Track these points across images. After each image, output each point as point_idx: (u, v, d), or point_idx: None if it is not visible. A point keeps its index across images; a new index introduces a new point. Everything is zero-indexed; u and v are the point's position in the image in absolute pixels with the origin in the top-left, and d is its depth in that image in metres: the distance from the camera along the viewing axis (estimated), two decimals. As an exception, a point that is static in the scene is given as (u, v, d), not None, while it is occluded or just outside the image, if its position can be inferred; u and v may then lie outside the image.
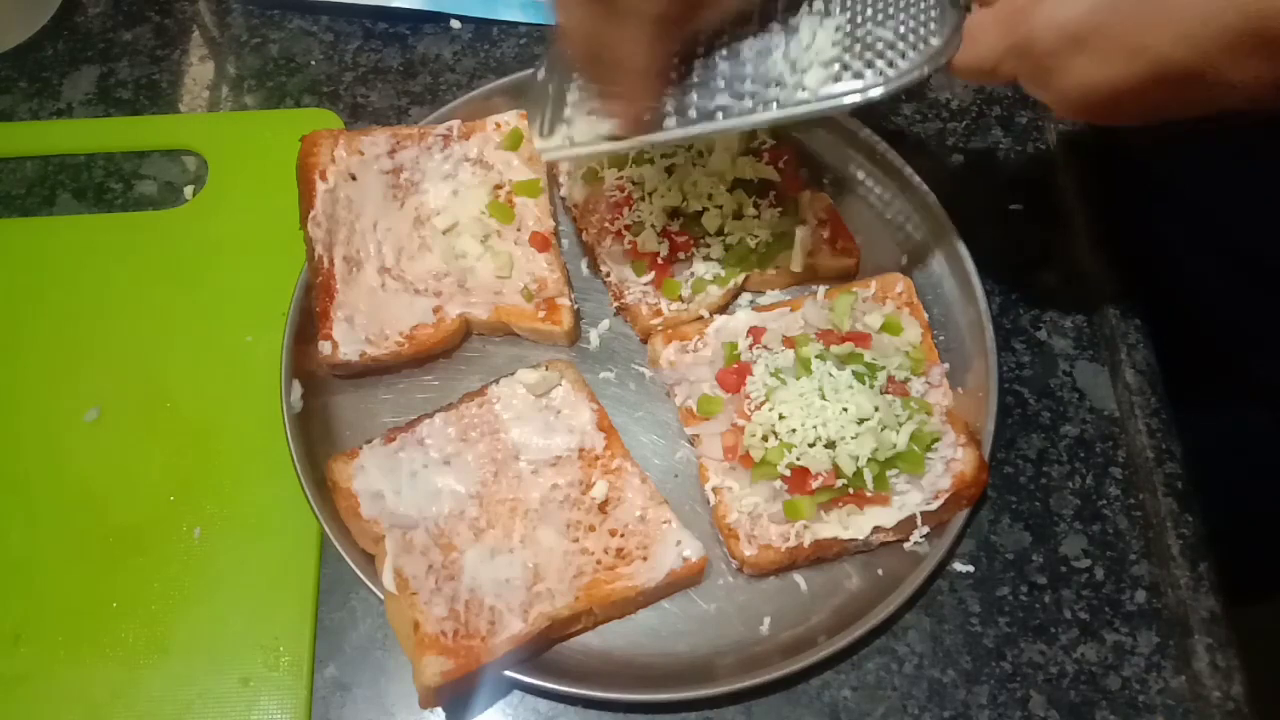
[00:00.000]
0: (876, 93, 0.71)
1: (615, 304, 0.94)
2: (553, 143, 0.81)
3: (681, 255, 0.91)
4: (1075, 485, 0.87)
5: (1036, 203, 1.00)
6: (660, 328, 0.90)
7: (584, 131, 0.79)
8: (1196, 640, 0.81)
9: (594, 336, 0.93)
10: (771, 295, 0.94)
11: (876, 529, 0.81)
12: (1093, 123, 0.78)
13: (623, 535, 0.81)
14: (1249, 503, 1.06)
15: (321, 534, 0.83)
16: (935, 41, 0.70)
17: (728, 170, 0.91)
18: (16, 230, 1.00)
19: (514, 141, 0.97)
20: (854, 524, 0.81)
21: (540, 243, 0.93)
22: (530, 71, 0.85)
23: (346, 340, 0.88)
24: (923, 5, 0.72)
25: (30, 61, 1.10)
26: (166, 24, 1.12)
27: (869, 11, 0.73)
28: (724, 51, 0.77)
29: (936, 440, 0.83)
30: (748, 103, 0.75)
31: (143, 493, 0.87)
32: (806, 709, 0.79)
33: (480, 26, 1.11)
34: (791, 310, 0.89)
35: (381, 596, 0.79)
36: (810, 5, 0.76)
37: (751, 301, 0.94)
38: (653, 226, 0.91)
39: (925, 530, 0.81)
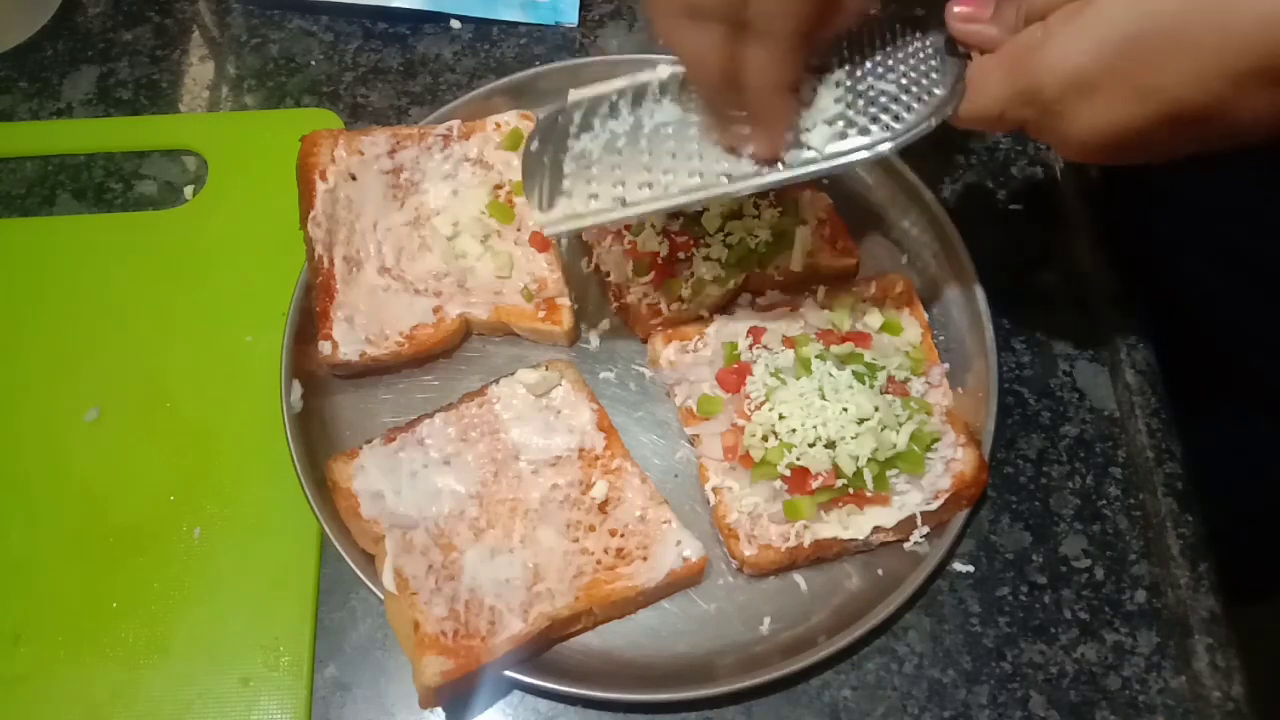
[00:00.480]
0: (885, 148, 0.70)
1: (615, 304, 0.94)
2: (554, 216, 0.79)
3: (681, 255, 0.91)
4: (1075, 485, 0.87)
5: (1036, 203, 1.00)
6: (660, 328, 0.90)
7: (584, 202, 0.78)
8: (1196, 640, 0.81)
9: (594, 336, 0.93)
10: (771, 295, 0.94)
11: (876, 529, 0.81)
12: (1102, 164, 0.78)
13: (623, 535, 0.81)
14: (1249, 503, 1.06)
15: (321, 534, 0.83)
16: (939, 92, 0.69)
17: None
18: (16, 230, 1.00)
19: (514, 141, 0.97)
20: (854, 524, 0.81)
21: (540, 243, 0.93)
22: (527, 140, 0.83)
23: (346, 340, 0.88)
24: (923, 56, 0.71)
25: (30, 61, 1.10)
26: (166, 24, 1.12)
27: (868, 65, 0.73)
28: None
29: (936, 440, 0.83)
30: (751, 166, 0.74)
31: (143, 493, 0.87)
32: (806, 709, 0.79)
33: (480, 26, 1.11)
34: (791, 310, 0.89)
35: (381, 596, 0.79)
36: (807, 64, 0.74)
37: (751, 301, 0.94)
38: (653, 226, 0.91)
39: (925, 530, 0.81)
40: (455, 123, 0.98)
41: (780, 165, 0.73)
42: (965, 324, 0.92)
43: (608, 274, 0.93)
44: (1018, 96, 0.66)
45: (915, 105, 0.70)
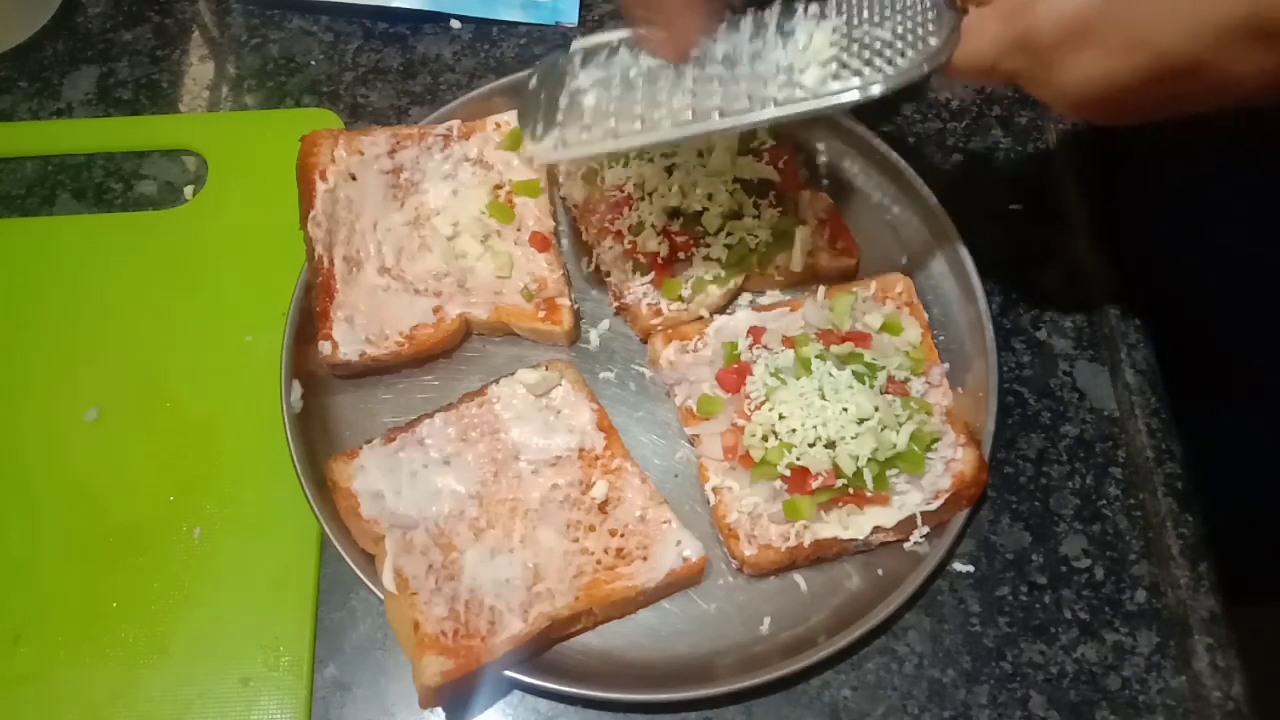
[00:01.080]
0: (875, 90, 0.71)
1: (615, 304, 0.94)
2: (544, 145, 0.80)
3: (681, 255, 0.91)
4: (1075, 485, 0.87)
5: (1036, 203, 1.00)
6: (660, 328, 0.90)
7: (576, 134, 0.79)
8: (1196, 640, 0.81)
9: (594, 336, 0.93)
10: (771, 295, 0.94)
11: (876, 529, 0.81)
12: (1093, 120, 0.78)
13: (623, 535, 0.81)
14: (1249, 503, 1.06)
15: (321, 534, 0.83)
16: (933, 41, 0.70)
17: (728, 170, 0.91)
18: (16, 230, 1.00)
19: (514, 141, 0.97)
20: (854, 524, 0.81)
21: (540, 243, 0.93)
22: (526, 74, 0.85)
23: (346, 340, 0.88)
24: (920, 6, 0.72)
25: (30, 61, 1.10)
26: (166, 24, 1.12)
27: (865, 14, 0.74)
28: (719, 55, 0.77)
29: (936, 440, 0.83)
30: (744, 103, 0.74)
31: (143, 493, 0.87)
32: (806, 709, 0.79)
33: (480, 26, 1.11)
34: (791, 310, 0.89)
35: (381, 596, 0.79)
36: (805, 9, 0.76)
37: (751, 301, 0.94)
38: (653, 226, 0.91)
39: (925, 530, 0.81)
40: (455, 123, 0.97)
41: (773, 103, 0.74)
42: (965, 324, 0.91)
43: (608, 274, 0.93)
44: (1012, 44, 0.66)
45: (909, 52, 0.71)
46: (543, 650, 0.80)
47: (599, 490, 0.82)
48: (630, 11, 0.78)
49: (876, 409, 0.80)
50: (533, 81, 0.83)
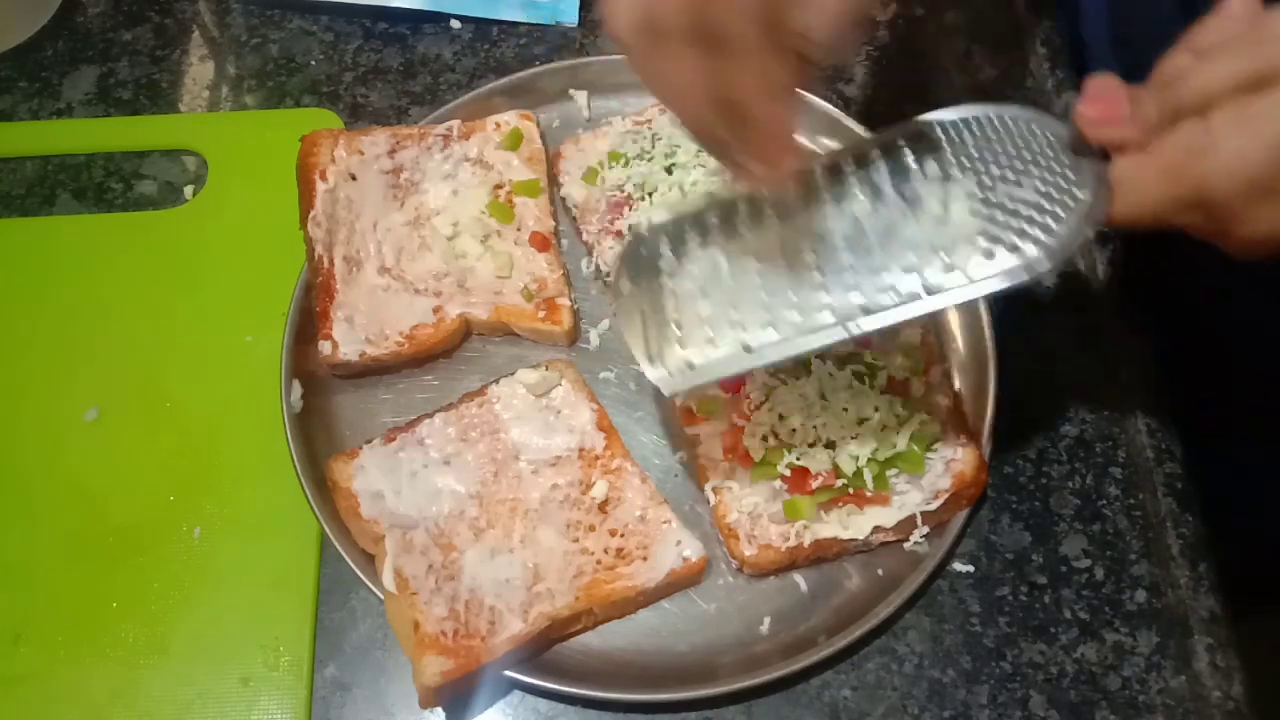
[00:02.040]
0: (1044, 267, 0.63)
1: (615, 304, 0.93)
2: (671, 372, 0.69)
3: (681, 255, 0.91)
4: (1075, 485, 0.87)
5: (1036, 203, 1.00)
6: (660, 328, 0.90)
7: (701, 351, 0.68)
8: (1196, 640, 0.81)
9: (594, 336, 0.93)
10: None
11: (876, 529, 0.81)
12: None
13: (623, 535, 0.81)
14: (1249, 503, 1.05)
15: (321, 534, 0.83)
16: (1082, 195, 0.62)
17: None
18: (16, 230, 1.00)
19: (514, 141, 0.97)
20: (854, 524, 0.81)
21: (540, 243, 0.93)
22: (613, 273, 0.73)
23: (346, 340, 0.88)
24: (1054, 155, 0.64)
25: (30, 61, 1.10)
26: (166, 24, 1.12)
27: (995, 170, 0.65)
28: (838, 235, 0.68)
29: (937, 440, 0.83)
30: (890, 296, 0.65)
31: (143, 493, 0.87)
32: (806, 709, 0.79)
33: (480, 26, 1.11)
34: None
35: (381, 596, 0.79)
36: (922, 168, 0.67)
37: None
38: (653, 226, 0.90)
39: (925, 530, 0.81)
40: (455, 123, 0.97)
41: (924, 292, 0.65)
42: (965, 324, 0.91)
43: (608, 274, 0.93)
44: (1181, 202, 0.60)
45: (1062, 212, 0.63)
46: (543, 650, 0.80)
47: (599, 490, 0.82)
48: (706, 138, 0.65)
49: (876, 409, 0.80)
50: (624, 283, 0.72)
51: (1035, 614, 0.82)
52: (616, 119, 0.99)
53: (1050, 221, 0.63)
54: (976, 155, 0.67)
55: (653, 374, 0.69)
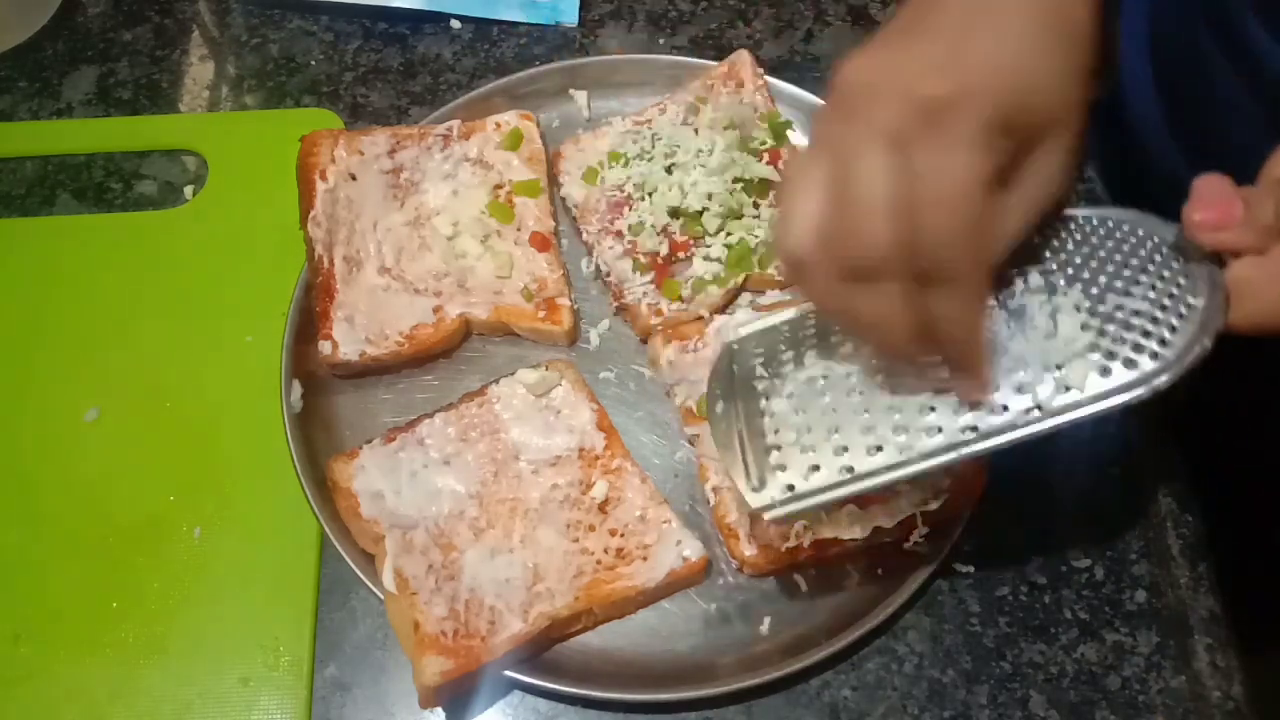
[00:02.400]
0: (1162, 381, 0.59)
1: (615, 304, 0.94)
2: (773, 498, 0.66)
3: (681, 255, 0.91)
4: (1075, 485, 0.87)
5: (1036, 203, 1.00)
6: (660, 328, 0.90)
7: (803, 475, 0.66)
8: (1196, 640, 0.81)
9: (594, 336, 0.93)
10: (771, 295, 0.94)
11: (876, 529, 0.81)
12: None
13: (623, 535, 0.81)
14: (1249, 502, 1.05)
15: (321, 534, 0.83)
16: (1197, 302, 0.59)
17: (727, 169, 0.91)
18: (16, 230, 1.00)
19: (514, 141, 0.97)
20: (854, 524, 0.81)
21: (540, 243, 0.93)
22: (706, 389, 0.71)
23: (346, 340, 0.88)
24: (1160, 258, 0.61)
25: (30, 61, 1.10)
26: (166, 24, 1.12)
27: (1103, 279, 0.62)
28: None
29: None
30: (1002, 416, 0.63)
31: (143, 493, 0.87)
32: (806, 709, 0.79)
33: (480, 26, 1.11)
34: (792, 310, 0.89)
35: (381, 596, 0.79)
36: (1025, 281, 0.64)
37: (751, 301, 0.93)
38: (652, 226, 0.91)
39: (925, 530, 0.81)
40: (455, 123, 0.98)
41: (1038, 410, 0.62)
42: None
43: (608, 274, 0.93)
44: None
45: (1176, 322, 0.59)
46: (543, 650, 0.80)
47: (599, 490, 0.82)
48: (903, 361, 0.64)
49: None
50: (718, 404, 0.70)
51: (1035, 614, 0.82)
52: (616, 119, 1.00)
53: (1165, 332, 0.60)
54: (1080, 263, 0.64)
55: (753, 501, 0.67)
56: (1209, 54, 0.82)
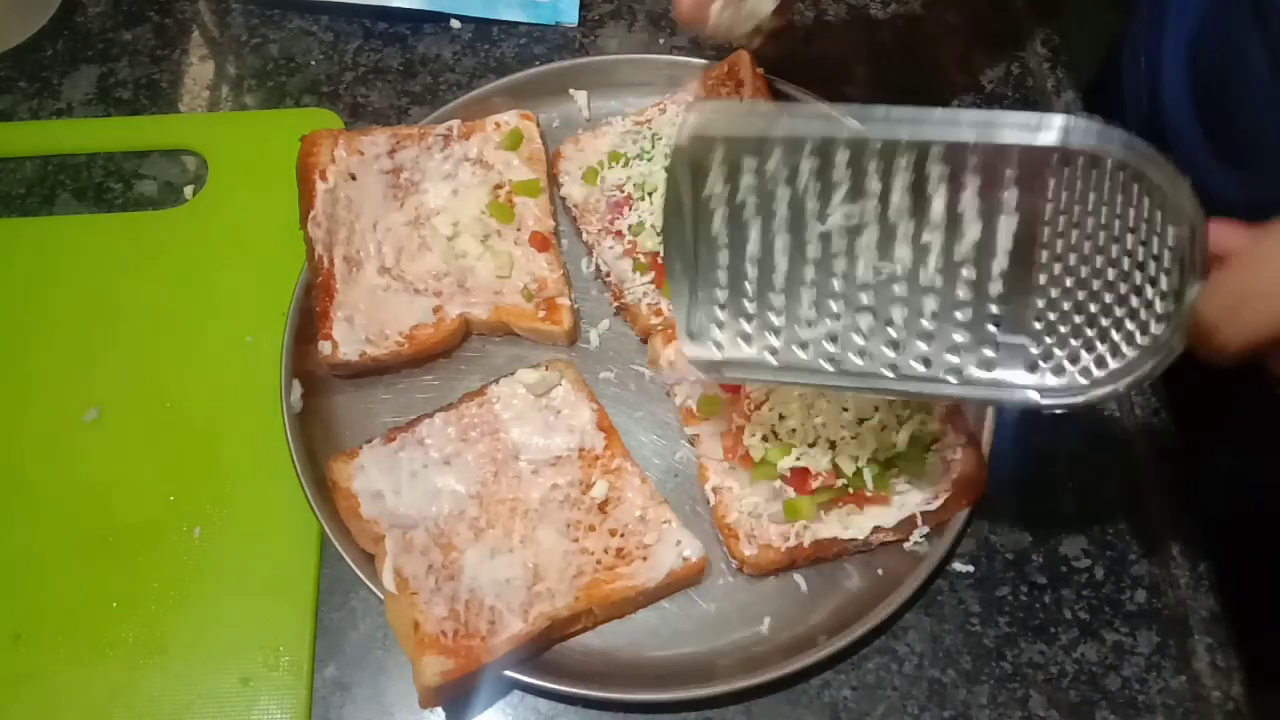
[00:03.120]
0: (1077, 400, 0.59)
1: (615, 304, 0.94)
2: (698, 351, 0.64)
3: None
4: (1075, 485, 0.87)
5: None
6: (660, 328, 0.90)
7: (733, 341, 0.63)
8: (1196, 640, 0.81)
9: (594, 336, 0.93)
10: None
11: (876, 529, 0.81)
12: None
13: (623, 535, 0.81)
14: (1249, 502, 1.05)
15: (321, 534, 0.83)
16: (1159, 330, 0.57)
17: None
18: (16, 230, 1.00)
19: (514, 141, 0.97)
20: (854, 524, 0.81)
21: (540, 243, 0.93)
22: (674, 200, 0.63)
23: (346, 340, 0.88)
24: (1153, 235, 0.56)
25: (30, 61, 1.10)
26: (166, 24, 1.12)
27: (1085, 242, 0.58)
28: (900, 267, 0.60)
29: (936, 440, 0.83)
30: (922, 367, 0.61)
31: (143, 493, 0.87)
32: (806, 709, 0.79)
33: (480, 26, 1.11)
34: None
35: (381, 596, 0.79)
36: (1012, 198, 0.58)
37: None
38: (652, 227, 0.91)
39: (925, 530, 0.81)
40: (455, 123, 0.98)
41: (953, 378, 0.61)
42: (965, 324, 0.91)
43: (608, 274, 0.93)
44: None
45: (1126, 348, 0.58)
46: (543, 650, 0.80)
47: (599, 490, 0.82)
48: None
49: (876, 409, 0.80)
50: (674, 217, 0.63)
51: (1035, 614, 0.82)
52: (616, 119, 1.00)
53: (1123, 344, 0.57)
54: (1065, 203, 0.58)
55: (684, 344, 0.64)
56: (1249, 52, 0.82)
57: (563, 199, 0.98)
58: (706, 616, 0.82)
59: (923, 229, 0.59)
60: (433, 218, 0.94)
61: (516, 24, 1.10)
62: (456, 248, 0.93)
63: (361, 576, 0.80)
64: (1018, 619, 0.82)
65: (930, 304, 0.60)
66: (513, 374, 0.87)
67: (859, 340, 0.62)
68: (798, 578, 0.83)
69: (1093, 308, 0.58)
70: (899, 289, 0.61)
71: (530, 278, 0.92)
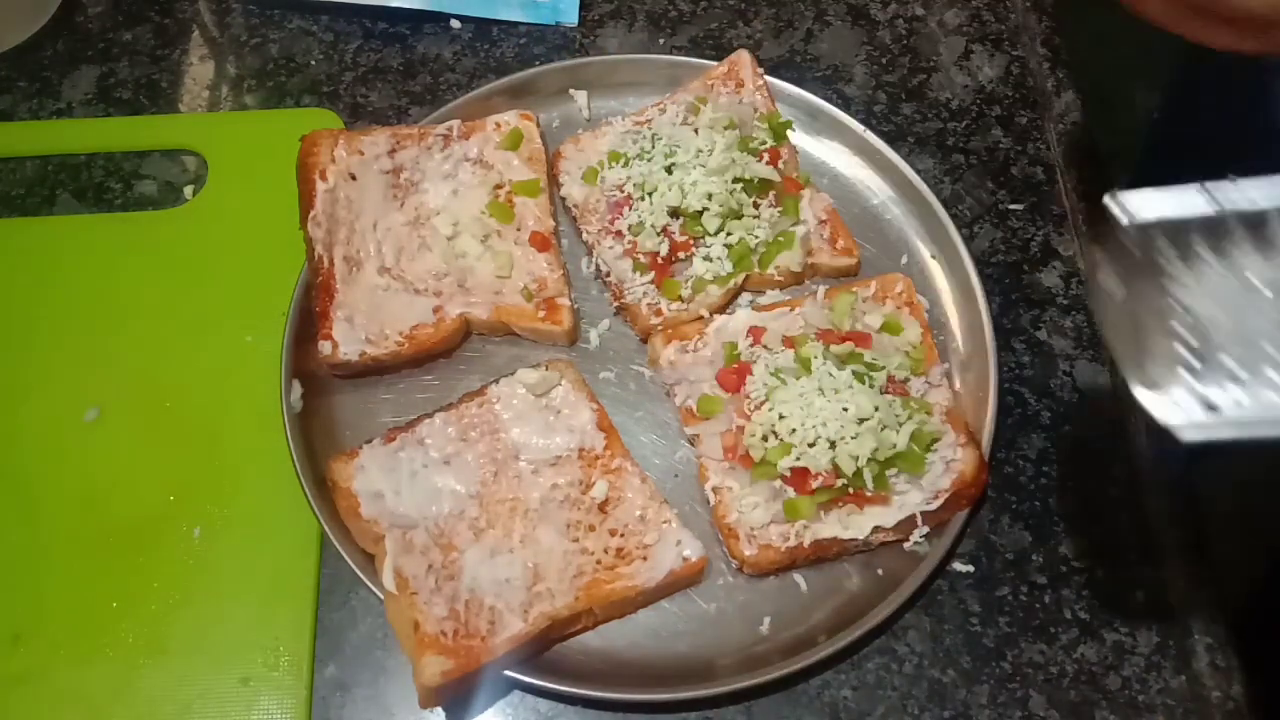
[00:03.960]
0: None
1: (615, 304, 0.94)
2: (1177, 403, 0.56)
3: (681, 255, 0.91)
4: (1075, 485, 0.87)
5: (1036, 203, 1.00)
6: (660, 328, 0.90)
7: (1224, 388, 0.55)
8: (1196, 640, 0.81)
9: (594, 336, 0.93)
10: (771, 295, 0.94)
11: (876, 529, 0.81)
12: None
13: (623, 535, 0.81)
14: (1249, 501, 1.05)
15: (321, 534, 0.83)
16: None
17: (727, 169, 0.91)
18: (16, 230, 1.00)
19: (514, 141, 0.97)
20: (854, 524, 0.81)
21: (540, 243, 0.93)
22: (1096, 277, 0.59)
23: (346, 340, 0.88)
24: None
25: (30, 61, 1.10)
26: (166, 24, 1.12)
27: None
28: None
29: (936, 440, 0.83)
30: None
31: (143, 493, 0.87)
32: (806, 709, 0.79)
33: (480, 26, 1.11)
34: (791, 310, 0.89)
35: (381, 596, 0.79)
36: None
37: (751, 301, 0.94)
38: (653, 226, 0.91)
39: (925, 530, 0.81)
40: (455, 123, 0.97)
41: None
42: (965, 324, 0.91)
43: (608, 274, 0.93)
44: None
45: None
46: (543, 650, 0.80)
47: (599, 490, 0.82)
48: None
49: (876, 409, 0.80)
50: (1113, 285, 0.58)
51: (1035, 614, 0.82)
52: (616, 119, 1.00)
53: None
54: None
55: (1166, 415, 0.56)
56: None
57: (563, 199, 0.98)
58: (706, 616, 0.82)
59: None
60: (433, 218, 0.94)
61: (516, 24, 1.10)
62: (456, 248, 0.93)
63: (361, 576, 0.80)
64: (1018, 619, 0.82)
65: None
66: (513, 374, 0.87)
67: None
68: (798, 578, 0.83)
69: None
70: None
71: (530, 278, 0.92)
